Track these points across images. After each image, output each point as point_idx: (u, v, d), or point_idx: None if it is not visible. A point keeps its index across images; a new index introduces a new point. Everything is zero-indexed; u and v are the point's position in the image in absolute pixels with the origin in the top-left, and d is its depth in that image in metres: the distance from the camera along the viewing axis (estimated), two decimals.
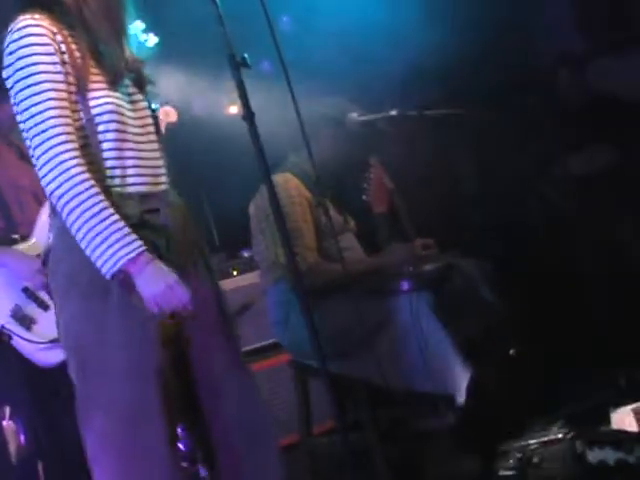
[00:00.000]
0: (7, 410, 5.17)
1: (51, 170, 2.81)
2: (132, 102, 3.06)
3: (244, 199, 5.06)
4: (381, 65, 5.62)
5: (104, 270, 2.79)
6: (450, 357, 4.60)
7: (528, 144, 5.96)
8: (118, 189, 2.93)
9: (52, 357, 4.34)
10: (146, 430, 2.91)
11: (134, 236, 2.82)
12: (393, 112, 5.00)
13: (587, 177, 5.87)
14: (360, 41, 5.66)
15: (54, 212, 2.93)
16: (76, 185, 2.79)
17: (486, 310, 4.92)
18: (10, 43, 2.88)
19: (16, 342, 4.37)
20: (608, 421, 4.54)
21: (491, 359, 4.84)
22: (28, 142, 2.91)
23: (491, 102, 5.87)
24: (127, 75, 3.07)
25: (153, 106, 3.16)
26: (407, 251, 4.87)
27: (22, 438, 4.87)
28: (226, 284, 5.27)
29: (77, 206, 2.79)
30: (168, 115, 4.94)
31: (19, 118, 2.93)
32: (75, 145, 2.84)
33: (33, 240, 4.52)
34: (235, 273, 5.92)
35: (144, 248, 2.83)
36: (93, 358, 2.94)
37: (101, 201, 2.81)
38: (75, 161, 2.81)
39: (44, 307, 4.43)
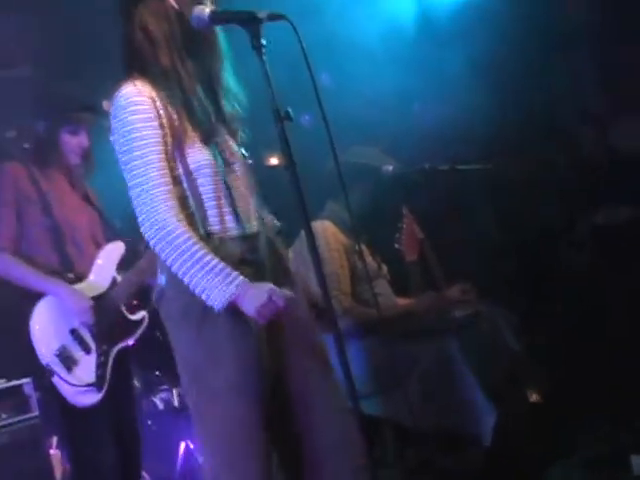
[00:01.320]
0: (54, 440, 5.23)
1: (151, 227, 2.99)
2: (226, 152, 3.18)
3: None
4: (415, 120, 5.65)
5: (215, 306, 2.96)
6: (476, 399, 4.59)
7: (554, 198, 5.96)
8: (219, 233, 3.09)
9: (86, 399, 4.39)
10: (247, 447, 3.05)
11: (234, 272, 2.97)
12: (426, 165, 5.04)
13: (610, 230, 5.85)
14: (395, 97, 5.70)
15: (161, 262, 3.08)
16: (175, 239, 2.97)
17: (511, 357, 4.93)
18: (116, 109, 3.04)
19: (56, 381, 4.38)
20: (628, 467, 4.51)
21: (514, 403, 4.83)
22: (133, 197, 3.04)
23: (518, 158, 5.89)
24: (222, 127, 3.20)
25: (244, 153, 3.26)
26: (438, 298, 4.90)
27: (67, 466, 4.91)
28: None
29: (179, 257, 2.97)
30: None
31: (126, 178, 3.06)
32: (172, 201, 3.02)
33: (90, 279, 4.55)
34: None
35: (243, 280, 2.97)
36: (205, 378, 3.07)
37: (199, 249, 2.97)
38: (173, 217, 2.99)
39: (87, 350, 4.46)
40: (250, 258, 3.11)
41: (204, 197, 3.08)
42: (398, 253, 5.06)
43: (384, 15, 5.86)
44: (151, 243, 3.02)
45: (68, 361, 4.41)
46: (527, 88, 5.98)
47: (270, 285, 3.00)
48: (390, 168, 4.95)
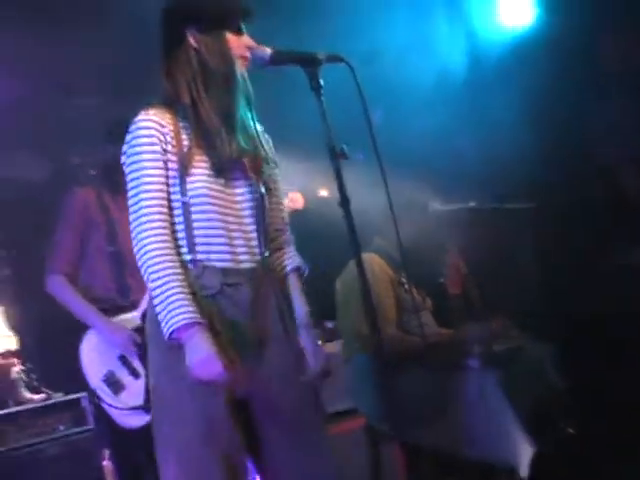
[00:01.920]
0: (107, 452, 5.29)
1: (137, 244, 3.03)
2: (234, 187, 3.18)
3: (329, 276, 5.13)
4: (463, 159, 5.69)
5: (164, 332, 2.95)
6: (514, 432, 4.58)
7: (591, 234, 5.96)
8: (203, 262, 3.07)
9: (133, 422, 4.45)
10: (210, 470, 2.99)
11: (188, 308, 2.94)
12: (472, 204, 5.07)
13: None
14: (444, 136, 5.74)
15: None
16: (150, 259, 2.99)
17: (550, 391, 4.92)
18: (128, 133, 3.12)
19: (104, 405, 4.47)
20: None
21: (552, 437, 4.82)
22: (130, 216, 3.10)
23: (560, 197, 5.91)
24: (235, 162, 3.18)
25: (262, 190, 3.23)
26: (479, 331, 4.90)
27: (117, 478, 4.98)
28: None
29: (151, 280, 3.00)
30: (294, 201, 4.99)
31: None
32: (157, 229, 3.02)
33: (135, 313, 4.58)
34: (319, 342, 5.96)
35: (193, 320, 2.93)
36: (168, 404, 3.06)
37: (168, 275, 2.97)
38: (154, 243, 3.00)
39: (135, 375, 4.51)
40: (229, 292, 3.08)
41: (195, 225, 3.07)
42: (442, 287, 5.09)
43: (436, 59, 5.91)
44: (138, 261, 3.04)
45: (115, 385, 4.47)
46: (570, 129, 6.00)
47: (213, 351, 2.93)
48: (437, 205, 4.99)
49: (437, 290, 5.11)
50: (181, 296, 2.95)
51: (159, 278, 2.97)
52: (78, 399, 5.46)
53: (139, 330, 4.46)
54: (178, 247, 3.06)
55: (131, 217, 3.06)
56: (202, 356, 2.91)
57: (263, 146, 3.26)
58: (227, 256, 3.10)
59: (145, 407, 4.44)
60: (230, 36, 3.18)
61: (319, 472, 3.17)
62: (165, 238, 3.02)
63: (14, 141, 6.91)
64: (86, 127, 6.42)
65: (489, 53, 6.25)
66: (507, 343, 4.99)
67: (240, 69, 3.18)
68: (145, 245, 3.00)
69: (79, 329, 4.57)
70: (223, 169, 3.14)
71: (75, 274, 4.56)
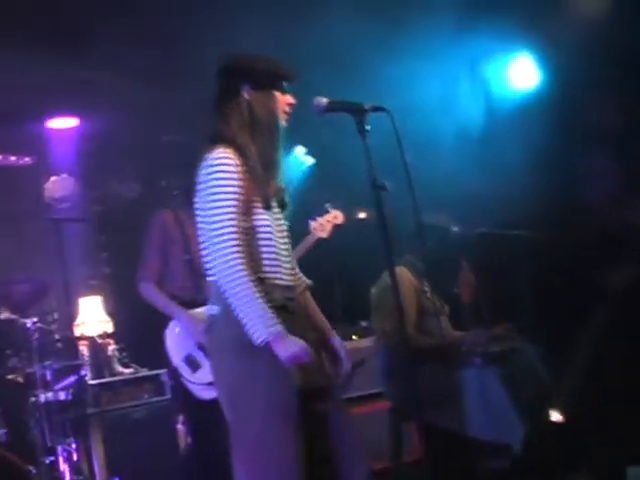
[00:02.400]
0: (180, 418, 5.32)
1: (222, 264, 2.96)
2: (277, 217, 3.18)
3: (365, 284, 5.13)
4: (477, 192, 5.68)
5: (256, 339, 2.91)
6: (510, 416, 4.58)
7: (578, 260, 5.91)
8: (270, 280, 3.06)
9: (206, 394, 4.41)
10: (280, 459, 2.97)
11: (275, 319, 2.93)
12: (482, 229, 5.07)
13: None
14: (463, 173, 5.74)
15: (217, 293, 3.05)
16: (236, 277, 2.93)
17: (540, 384, 4.90)
18: (209, 166, 3.05)
19: (183, 379, 4.47)
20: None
21: (541, 421, 4.80)
22: (204, 237, 3.08)
23: (554, 227, 5.90)
24: (275, 199, 3.19)
25: (286, 223, 3.24)
26: (483, 334, 4.90)
27: (189, 440, 4.99)
28: (347, 345, 5.33)
29: (237, 292, 2.93)
30: (336, 217, 5.00)
31: (201, 219, 3.10)
32: (240, 248, 2.97)
33: (206, 308, 4.58)
34: (355, 337, 5.96)
35: (281, 327, 2.93)
36: (244, 401, 3.02)
37: (253, 290, 2.93)
38: (238, 259, 2.95)
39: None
40: (289, 305, 3.09)
41: (263, 249, 3.05)
42: (456, 296, 5.09)
43: (458, 113, 5.93)
44: (216, 277, 2.99)
45: (193, 365, 4.47)
46: (565, 172, 5.97)
47: (302, 341, 2.97)
48: (455, 229, 4.99)
49: (452, 299, 5.09)
50: (268, 309, 2.93)
51: (248, 294, 2.93)
52: (159, 374, 5.54)
53: None
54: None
55: (212, 237, 3.01)
56: (299, 345, 2.93)
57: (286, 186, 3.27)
58: (284, 275, 3.11)
59: None
60: (276, 94, 3.19)
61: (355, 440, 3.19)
62: (245, 259, 2.97)
63: (118, 165, 7.00)
64: (173, 158, 6.48)
65: (501, 109, 6.25)
66: (506, 345, 4.97)
67: (282, 122, 3.20)
68: (229, 260, 2.94)
69: (162, 319, 4.59)
70: (269, 204, 3.12)
71: (160, 279, 4.62)
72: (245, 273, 2.93)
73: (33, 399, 5.04)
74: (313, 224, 4.93)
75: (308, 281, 3.35)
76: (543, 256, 5.99)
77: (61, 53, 5.44)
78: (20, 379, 5.09)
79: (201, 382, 4.43)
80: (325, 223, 4.95)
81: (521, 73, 6.38)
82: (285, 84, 3.21)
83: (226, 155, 3.04)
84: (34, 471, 4.55)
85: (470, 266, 5.16)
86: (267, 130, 3.15)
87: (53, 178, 6.46)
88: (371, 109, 3.07)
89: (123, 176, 7.19)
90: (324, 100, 3.14)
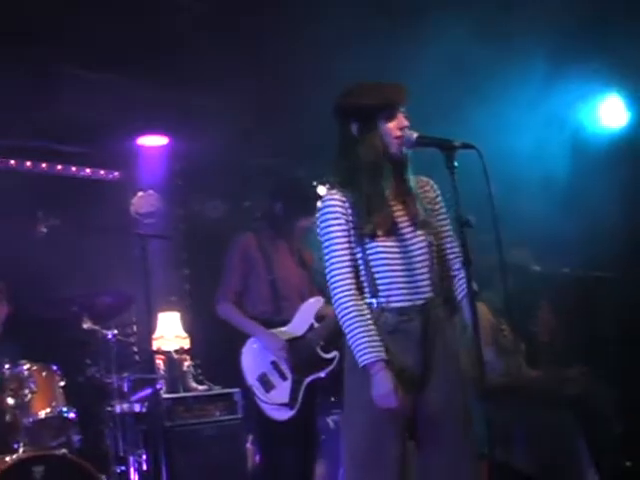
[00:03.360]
0: (250, 437, 5.39)
1: (333, 290, 3.20)
2: (406, 243, 3.23)
3: None
4: (560, 234, 5.64)
5: (358, 361, 3.09)
6: (583, 460, 4.53)
7: None
8: (383, 304, 3.17)
9: (278, 415, 4.54)
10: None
11: (377, 348, 3.08)
12: (565, 269, 5.03)
13: None
14: (547, 211, 5.71)
15: None
16: (345, 306, 3.15)
17: (612, 429, 4.84)
18: (319, 210, 3.28)
19: (257, 398, 4.55)
20: None
21: (613, 467, 4.74)
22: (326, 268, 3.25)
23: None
24: (410, 224, 3.25)
25: (428, 238, 3.27)
26: (558, 375, 4.85)
27: (257, 458, 5.06)
28: None
29: (345, 318, 3.15)
30: None
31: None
32: (349, 278, 3.18)
33: (287, 327, 4.69)
34: None
35: (379, 358, 3.07)
36: (351, 412, 3.22)
37: (360, 315, 3.13)
38: (346, 287, 3.17)
39: (283, 378, 4.61)
40: (404, 327, 3.16)
41: (375, 275, 3.18)
42: (534, 334, 5.05)
43: (548, 152, 5.90)
44: (334, 304, 3.20)
45: (267, 385, 4.56)
46: None
47: (392, 385, 3.04)
48: (537, 268, 4.95)
49: (530, 337, 5.06)
50: (369, 335, 3.09)
51: (352, 323, 3.12)
52: (232, 393, 5.63)
53: (288, 342, 4.63)
54: (363, 293, 3.19)
55: (328, 270, 3.22)
56: (384, 391, 3.04)
57: (421, 203, 3.30)
58: (402, 297, 3.18)
59: (289, 404, 4.54)
60: (384, 125, 3.23)
61: None
62: (352, 290, 3.16)
63: (204, 184, 7.14)
64: (259, 181, 6.61)
65: (589, 148, 6.20)
66: (581, 388, 4.91)
67: (395, 150, 3.24)
68: (340, 297, 3.16)
69: (238, 340, 4.70)
70: (389, 231, 3.21)
71: (239, 300, 4.74)
72: (351, 301, 3.14)
73: (109, 409, 5.18)
74: None
75: (465, 291, 3.29)
76: (626, 298, 5.91)
77: (156, 74, 5.61)
78: (97, 389, 5.23)
79: (273, 402, 4.51)
80: None
81: (610, 112, 6.35)
82: (395, 108, 3.25)
83: (331, 197, 3.24)
84: (105, 479, 4.66)
85: (550, 305, 5.12)
86: (371, 168, 3.22)
87: (140, 194, 6.65)
88: (460, 146, 3.10)
89: (208, 195, 7.33)
90: (414, 134, 3.20)
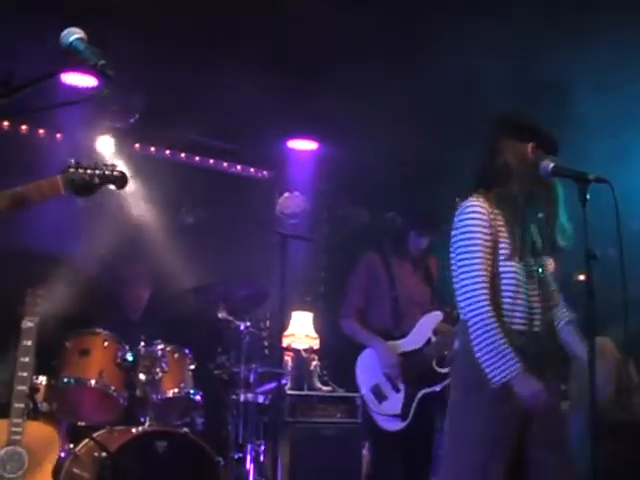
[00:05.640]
0: (366, 444, 5.48)
1: (470, 304, 3.17)
2: (533, 269, 3.28)
3: None
4: None
5: (494, 378, 3.09)
6: None
7: None
8: (508, 324, 3.19)
9: (390, 426, 4.64)
10: None
11: (516, 359, 3.08)
12: None
13: None
14: None
15: (462, 330, 3.25)
16: (485, 317, 3.13)
17: None
18: (461, 215, 3.25)
19: (369, 409, 4.67)
20: None
21: None
22: (455, 279, 3.26)
23: None
24: (542, 252, 3.32)
25: (549, 271, 3.35)
26: None
27: (370, 468, 5.15)
28: None
29: (482, 332, 3.12)
30: None
31: (455, 263, 3.26)
32: (487, 289, 3.16)
33: (404, 340, 4.79)
34: None
35: (522, 367, 3.08)
36: (461, 433, 3.22)
37: (497, 332, 3.12)
38: (486, 301, 3.15)
39: (396, 390, 4.71)
40: (528, 350, 3.17)
41: (504, 295, 3.19)
42: None
43: None
44: (466, 315, 3.18)
45: (380, 395, 4.68)
46: None
47: (540, 385, 3.08)
48: None
49: None
50: (510, 349, 3.09)
51: (492, 335, 3.10)
52: (354, 397, 5.73)
53: (402, 355, 4.74)
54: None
55: (463, 282, 3.19)
56: (536, 389, 3.08)
57: (548, 238, 3.34)
58: (523, 320, 3.22)
59: (401, 416, 4.63)
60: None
61: None
62: (491, 304, 3.15)
63: (350, 190, 7.29)
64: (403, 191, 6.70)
65: None
66: None
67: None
68: (478, 302, 3.14)
69: (364, 347, 4.86)
70: (521, 254, 3.25)
71: (361, 315, 4.92)
72: (492, 314, 3.13)
73: (234, 397, 5.41)
74: None
75: (571, 315, 3.41)
76: None
77: (315, 80, 5.80)
78: (225, 376, 5.47)
79: (386, 413, 4.62)
80: None
81: None
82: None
83: (477, 204, 3.23)
84: (222, 462, 4.86)
85: None
86: (546, 186, 3.31)
87: (286, 194, 6.88)
88: (594, 179, 3.14)
89: (353, 202, 7.49)
90: (551, 164, 3.25)
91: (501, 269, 3.20)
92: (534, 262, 3.30)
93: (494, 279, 3.20)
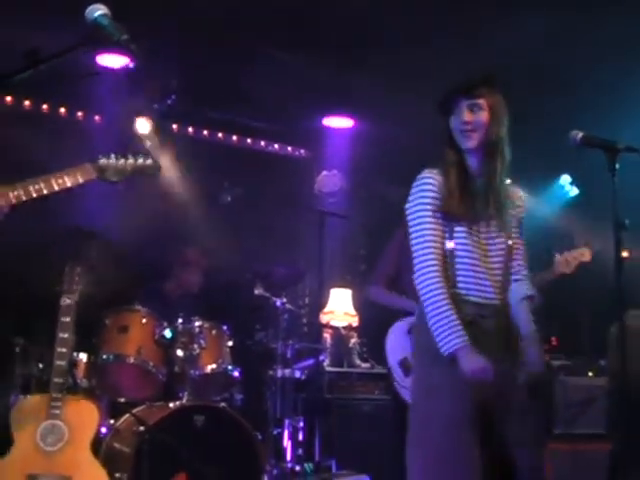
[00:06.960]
0: None
1: (420, 275, 3.08)
2: (485, 238, 3.18)
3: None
4: None
5: (442, 349, 3.02)
6: None
7: None
8: (462, 296, 3.11)
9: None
10: (458, 470, 3.04)
11: (464, 333, 2.99)
12: None
13: None
14: None
15: (419, 303, 3.18)
16: (433, 289, 3.05)
17: None
18: (413, 185, 3.17)
19: (394, 382, 4.63)
20: None
21: None
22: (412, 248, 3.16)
23: None
24: (493, 219, 3.19)
25: (510, 242, 3.22)
26: None
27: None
28: (579, 380, 5.43)
29: (431, 303, 3.05)
30: (583, 255, 4.91)
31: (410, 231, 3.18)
32: (438, 260, 3.08)
33: None
34: (590, 374, 5.80)
35: (468, 341, 2.99)
36: (422, 408, 3.15)
37: (445, 303, 3.03)
38: (436, 271, 3.06)
39: None
40: (479, 322, 3.10)
41: (457, 266, 3.10)
42: None
43: None
44: (417, 287, 3.10)
45: (407, 369, 4.59)
46: None
47: (484, 359, 2.98)
48: None
49: None
50: (457, 322, 3.02)
51: (439, 307, 3.03)
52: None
53: None
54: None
55: (416, 250, 3.11)
56: (480, 364, 2.98)
57: (506, 207, 3.22)
58: (480, 293, 3.14)
59: None
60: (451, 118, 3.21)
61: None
62: (440, 275, 3.07)
63: (388, 168, 7.26)
64: None
65: None
66: None
67: (464, 144, 3.19)
68: (426, 279, 3.06)
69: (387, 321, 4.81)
70: (474, 222, 3.16)
71: (391, 284, 4.80)
72: (440, 285, 3.05)
73: (271, 372, 5.46)
74: (558, 258, 4.85)
75: (529, 292, 3.27)
76: None
77: (347, 58, 5.80)
78: (263, 352, 5.52)
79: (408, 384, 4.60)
80: (571, 259, 4.84)
81: None
82: (460, 100, 3.18)
83: (428, 176, 3.14)
84: (260, 437, 4.89)
85: None
86: (444, 157, 3.21)
87: (324, 173, 6.89)
88: (624, 149, 3.10)
89: (390, 180, 7.47)
90: (580, 134, 3.21)
91: (454, 240, 3.12)
92: (487, 232, 3.20)
93: (449, 249, 3.11)
